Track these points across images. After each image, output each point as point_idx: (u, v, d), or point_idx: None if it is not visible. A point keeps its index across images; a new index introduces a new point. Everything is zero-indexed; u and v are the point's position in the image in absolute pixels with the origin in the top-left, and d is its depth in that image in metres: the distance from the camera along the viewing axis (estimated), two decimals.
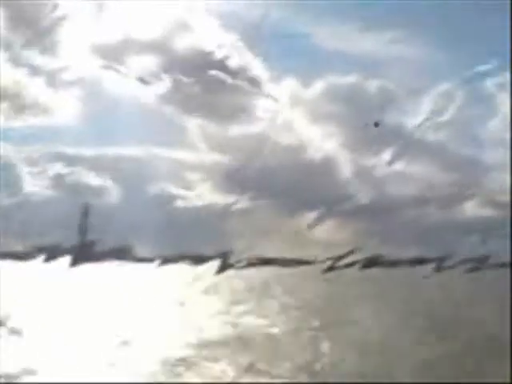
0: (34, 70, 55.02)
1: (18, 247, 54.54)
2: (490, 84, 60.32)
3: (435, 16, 58.28)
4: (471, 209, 51.91)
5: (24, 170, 57.08)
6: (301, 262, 50.88)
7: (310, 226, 43.77)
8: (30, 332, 25.84)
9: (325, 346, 24.06)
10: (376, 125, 39.61)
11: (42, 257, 53.94)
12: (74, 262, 50.72)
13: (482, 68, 50.96)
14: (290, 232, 47.34)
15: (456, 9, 61.20)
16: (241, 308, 37.34)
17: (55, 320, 29.89)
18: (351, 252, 46.57)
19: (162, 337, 25.71)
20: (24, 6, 49.93)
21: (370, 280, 50.82)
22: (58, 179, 57.32)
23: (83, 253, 53.82)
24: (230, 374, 19.31)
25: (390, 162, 45.69)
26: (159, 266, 50.49)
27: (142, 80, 49.64)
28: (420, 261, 50.68)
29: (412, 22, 62.10)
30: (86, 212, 55.47)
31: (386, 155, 49.54)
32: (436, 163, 56.64)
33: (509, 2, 49.00)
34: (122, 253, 54.31)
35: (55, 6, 44.60)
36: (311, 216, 45.54)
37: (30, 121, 58.71)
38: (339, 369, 20.06)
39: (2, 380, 17.98)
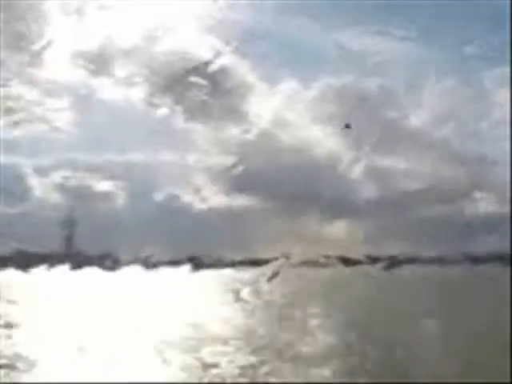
0: (24, 81, 54.84)
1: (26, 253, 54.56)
2: (490, 79, 60.69)
3: (432, 11, 58.50)
4: (478, 204, 52.17)
5: (31, 178, 57.20)
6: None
7: (321, 226, 43.96)
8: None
9: None
10: (347, 126, 40.34)
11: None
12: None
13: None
14: (303, 232, 47.44)
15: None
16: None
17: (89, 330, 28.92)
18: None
19: None
20: (10, 20, 49.58)
21: None
22: (64, 186, 57.45)
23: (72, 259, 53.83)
24: None
25: (394, 160, 45.79)
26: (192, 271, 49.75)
27: (132, 86, 49.58)
28: None
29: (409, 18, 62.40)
30: (70, 218, 55.34)
31: (391, 153, 49.46)
32: (441, 159, 56.96)
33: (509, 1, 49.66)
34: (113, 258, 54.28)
35: (41, 18, 44.43)
36: (321, 216, 45.70)
37: (28, 130, 58.68)
38: None
39: None
